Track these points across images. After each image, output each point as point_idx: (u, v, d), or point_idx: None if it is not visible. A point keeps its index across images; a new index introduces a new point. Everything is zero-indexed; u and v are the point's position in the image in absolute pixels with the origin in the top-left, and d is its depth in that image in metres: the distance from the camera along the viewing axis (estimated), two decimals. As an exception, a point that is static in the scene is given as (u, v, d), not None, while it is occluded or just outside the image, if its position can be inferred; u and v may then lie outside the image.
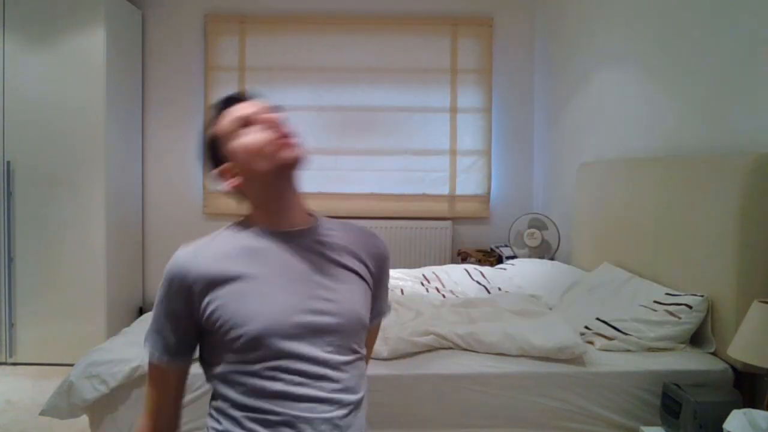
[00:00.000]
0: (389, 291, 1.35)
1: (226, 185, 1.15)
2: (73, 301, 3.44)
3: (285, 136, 1.11)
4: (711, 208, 1.94)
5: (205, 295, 1.05)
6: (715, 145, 2.10)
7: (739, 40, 1.98)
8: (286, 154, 1.09)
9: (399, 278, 2.94)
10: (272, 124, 1.11)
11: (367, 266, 1.19)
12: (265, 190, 1.13)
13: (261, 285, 1.07)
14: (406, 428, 1.77)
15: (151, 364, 1.11)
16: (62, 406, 1.74)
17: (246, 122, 1.12)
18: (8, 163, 3.38)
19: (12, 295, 3.42)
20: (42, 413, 1.74)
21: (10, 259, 3.41)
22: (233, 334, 1.03)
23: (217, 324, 1.04)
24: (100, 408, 1.74)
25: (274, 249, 1.11)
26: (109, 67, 3.46)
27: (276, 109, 1.15)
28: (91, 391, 1.70)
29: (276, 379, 1.03)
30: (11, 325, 3.42)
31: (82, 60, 3.39)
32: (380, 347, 1.81)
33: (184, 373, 1.13)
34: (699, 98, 2.21)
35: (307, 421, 1.03)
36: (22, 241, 3.41)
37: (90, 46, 3.39)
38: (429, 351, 1.88)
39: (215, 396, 1.11)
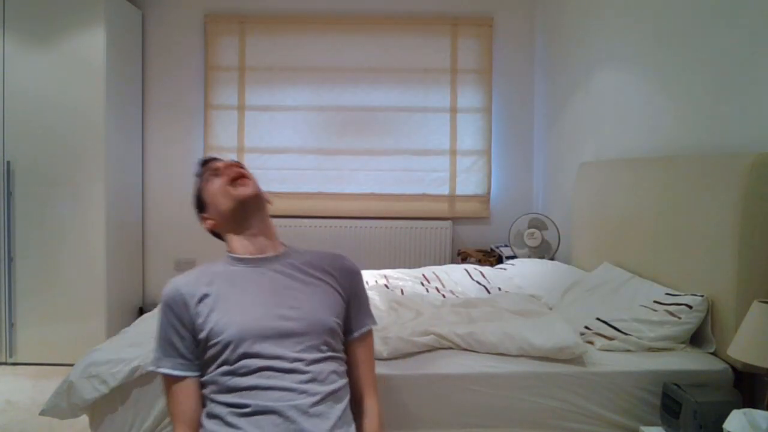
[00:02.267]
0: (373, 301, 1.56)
1: (205, 227, 1.47)
2: (73, 301, 3.44)
3: (238, 177, 1.39)
4: (711, 208, 1.93)
5: (194, 308, 1.28)
6: (715, 145, 2.10)
7: (739, 40, 1.98)
8: (239, 192, 1.38)
9: (399, 278, 2.94)
10: (229, 172, 1.40)
11: (335, 278, 1.39)
12: (233, 225, 1.41)
13: (235, 300, 1.29)
14: (405, 429, 1.77)
15: (164, 378, 1.29)
16: (62, 406, 1.73)
17: (214, 174, 1.42)
18: (8, 163, 3.38)
19: (12, 295, 3.42)
20: (42, 413, 1.74)
21: (10, 259, 3.41)
22: (214, 340, 1.24)
23: (203, 334, 1.26)
24: (100, 408, 1.74)
25: (246, 272, 1.36)
26: (109, 67, 3.46)
27: (236, 163, 1.45)
28: (91, 391, 1.70)
29: (250, 374, 1.22)
30: (11, 325, 3.42)
31: (82, 60, 3.39)
32: (380, 347, 1.81)
33: (196, 384, 1.30)
34: (699, 98, 2.21)
35: (277, 409, 1.20)
36: (22, 241, 3.41)
37: (90, 46, 3.39)
38: (429, 351, 1.88)
39: (204, 403, 1.28)
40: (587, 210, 2.99)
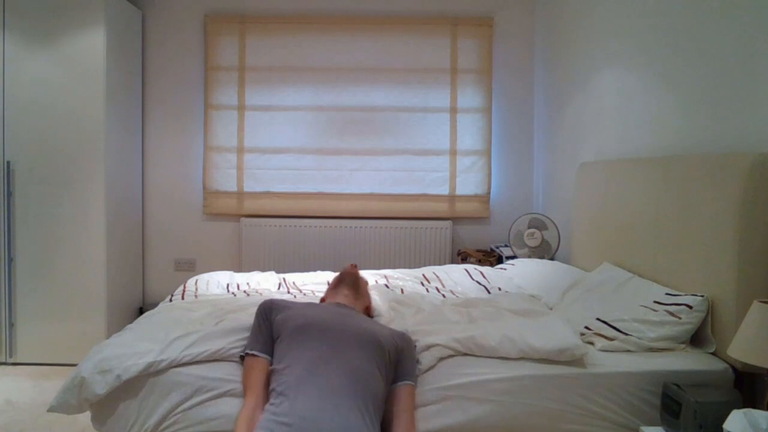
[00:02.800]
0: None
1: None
2: (73, 301, 3.44)
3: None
4: (711, 208, 1.94)
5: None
6: (715, 145, 2.10)
7: (738, 39, 1.98)
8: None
9: (399, 278, 2.94)
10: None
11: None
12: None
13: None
14: None
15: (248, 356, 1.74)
16: (72, 402, 1.74)
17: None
18: (8, 163, 3.39)
19: (12, 295, 3.42)
20: (50, 410, 1.75)
21: (10, 259, 3.41)
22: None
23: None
24: (105, 403, 1.74)
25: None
26: (109, 67, 3.47)
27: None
28: (103, 385, 1.70)
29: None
30: (11, 325, 3.42)
31: (82, 60, 3.39)
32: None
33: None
34: (699, 98, 2.21)
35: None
36: (22, 241, 3.41)
37: (90, 46, 3.39)
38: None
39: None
40: (587, 210, 2.99)
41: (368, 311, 2.13)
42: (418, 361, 1.81)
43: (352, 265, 2.21)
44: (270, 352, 1.74)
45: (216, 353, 1.79)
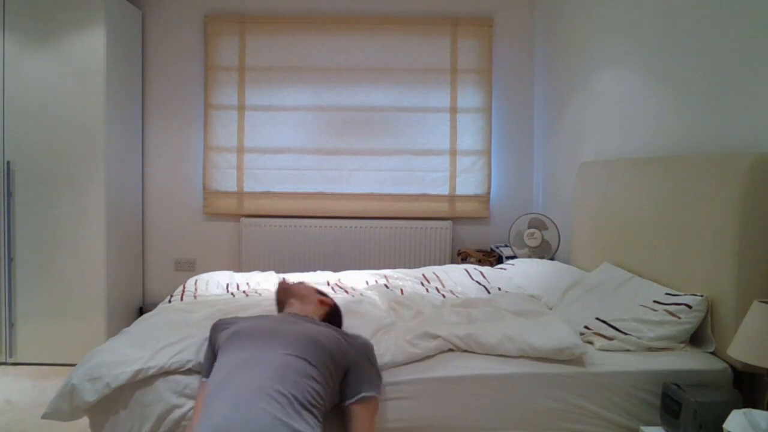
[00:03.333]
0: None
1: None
2: (73, 301, 3.44)
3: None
4: (711, 208, 1.93)
5: None
6: (715, 145, 2.10)
7: (738, 39, 1.98)
8: None
9: (399, 278, 2.94)
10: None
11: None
12: None
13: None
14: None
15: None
16: (64, 408, 1.73)
17: None
18: (8, 163, 3.39)
19: (12, 295, 3.42)
20: (44, 416, 1.74)
21: (10, 259, 3.41)
22: None
23: None
24: (101, 410, 1.74)
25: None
26: (109, 66, 3.47)
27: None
28: (93, 393, 1.70)
29: None
30: (11, 325, 3.42)
31: (81, 60, 3.39)
32: (385, 354, 1.80)
33: None
34: (699, 98, 2.21)
35: None
36: (22, 241, 3.41)
37: (90, 46, 3.39)
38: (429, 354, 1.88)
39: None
40: (587, 210, 2.99)
41: (330, 311, 1.95)
42: (379, 377, 1.70)
43: (281, 281, 2.07)
44: None
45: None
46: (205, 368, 1.71)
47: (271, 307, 2.19)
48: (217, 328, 1.75)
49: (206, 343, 1.78)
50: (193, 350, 1.79)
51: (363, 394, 1.60)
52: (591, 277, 2.53)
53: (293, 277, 2.99)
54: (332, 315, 1.96)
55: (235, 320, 1.76)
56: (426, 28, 4.07)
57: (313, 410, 1.44)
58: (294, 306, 1.91)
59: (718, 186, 1.90)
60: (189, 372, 1.75)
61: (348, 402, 1.60)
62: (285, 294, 1.99)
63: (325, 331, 1.66)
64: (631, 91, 2.75)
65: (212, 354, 1.72)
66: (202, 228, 4.16)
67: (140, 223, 4.09)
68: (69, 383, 1.73)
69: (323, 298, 1.98)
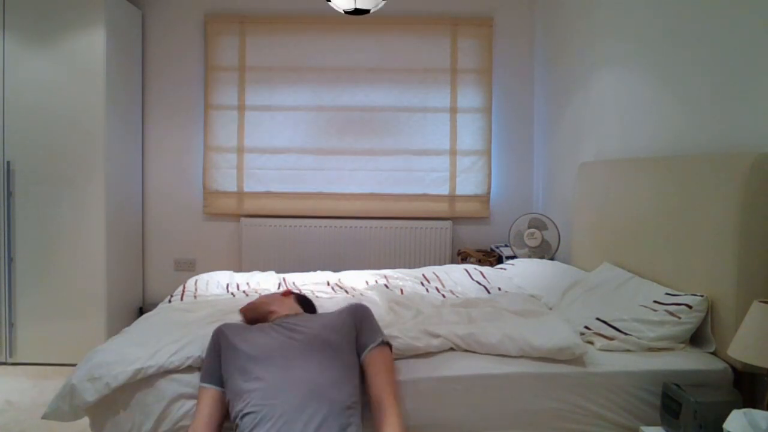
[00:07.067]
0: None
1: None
2: (73, 301, 3.44)
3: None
4: (711, 208, 1.94)
5: None
6: (715, 145, 2.10)
7: (739, 39, 1.98)
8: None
9: (399, 278, 2.94)
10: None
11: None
12: None
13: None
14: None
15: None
16: (64, 409, 1.73)
17: None
18: (8, 163, 3.39)
19: (12, 295, 3.42)
20: (44, 417, 1.74)
21: (10, 259, 3.41)
22: None
23: None
24: (102, 410, 1.74)
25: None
26: (109, 67, 3.47)
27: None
28: (92, 393, 1.69)
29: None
30: (11, 325, 3.42)
31: (82, 60, 3.39)
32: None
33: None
34: (699, 98, 2.21)
35: None
36: (22, 241, 3.41)
37: (90, 46, 3.39)
38: (429, 353, 1.88)
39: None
40: (587, 210, 2.99)
41: (299, 298, 2.01)
42: (381, 333, 1.76)
43: (240, 309, 2.02)
44: (219, 381, 1.67)
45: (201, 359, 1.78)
46: (207, 374, 1.68)
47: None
48: (222, 335, 1.72)
49: (207, 347, 1.74)
50: (192, 349, 1.79)
51: (374, 344, 1.70)
52: (591, 277, 2.53)
53: (293, 278, 2.99)
54: (303, 300, 2.01)
55: (241, 339, 1.71)
56: (426, 28, 4.07)
57: (356, 407, 1.57)
58: (275, 312, 1.89)
59: (719, 186, 1.90)
60: (189, 371, 1.75)
61: (364, 354, 1.69)
62: (256, 311, 1.94)
63: (324, 322, 1.73)
64: (631, 91, 2.75)
65: (217, 362, 1.69)
66: (202, 228, 4.16)
67: (140, 223, 4.09)
68: (69, 383, 1.72)
69: (283, 292, 2.01)
